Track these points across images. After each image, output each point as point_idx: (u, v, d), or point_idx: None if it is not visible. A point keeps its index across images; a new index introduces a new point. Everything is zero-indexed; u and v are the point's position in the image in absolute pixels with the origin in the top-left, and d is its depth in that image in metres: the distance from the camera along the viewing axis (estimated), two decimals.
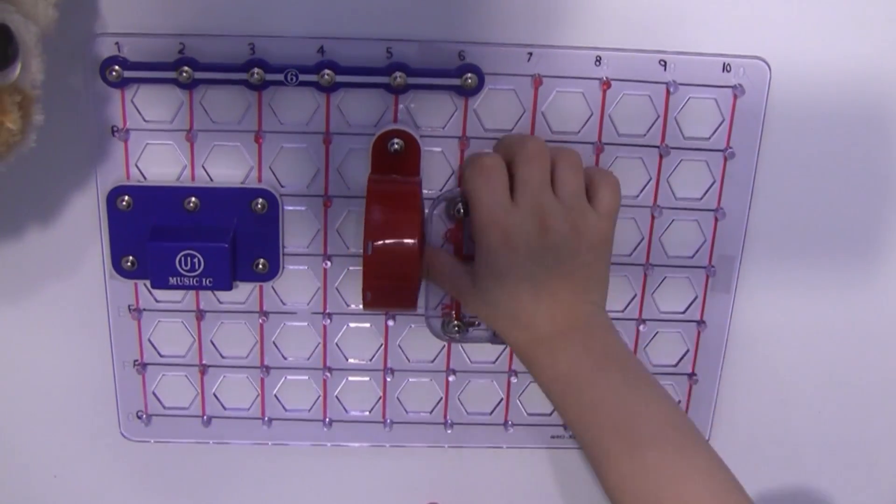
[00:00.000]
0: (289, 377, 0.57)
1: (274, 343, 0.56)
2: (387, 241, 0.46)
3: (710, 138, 0.53)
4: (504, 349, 0.57)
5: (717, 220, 0.55)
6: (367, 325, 0.56)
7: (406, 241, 0.46)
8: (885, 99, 0.53)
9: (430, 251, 0.53)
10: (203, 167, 0.52)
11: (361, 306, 0.48)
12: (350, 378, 0.58)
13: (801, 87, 0.52)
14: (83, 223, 0.53)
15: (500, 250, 0.48)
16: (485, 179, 0.49)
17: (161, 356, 0.56)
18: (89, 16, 0.49)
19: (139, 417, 0.58)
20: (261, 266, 0.54)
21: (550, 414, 0.59)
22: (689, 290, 0.56)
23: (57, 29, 0.48)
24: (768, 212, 0.55)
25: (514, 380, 0.58)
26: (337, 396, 0.58)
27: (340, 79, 0.50)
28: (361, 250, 0.47)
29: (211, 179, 0.52)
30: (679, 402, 0.59)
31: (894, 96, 0.53)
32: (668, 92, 0.52)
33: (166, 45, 0.49)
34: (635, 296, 0.56)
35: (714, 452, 0.48)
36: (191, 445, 0.59)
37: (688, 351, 0.58)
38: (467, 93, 0.51)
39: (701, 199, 0.54)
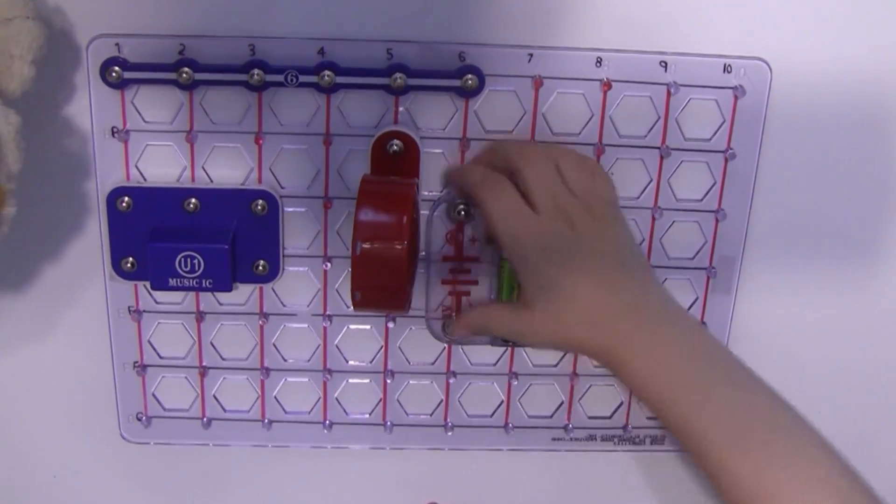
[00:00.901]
0: (289, 379, 0.57)
1: (274, 345, 0.56)
2: (375, 243, 0.46)
3: (710, 139, 0.53)
4: (504, 352, 0.57)
5: (717, 221, 0.55)
6: (368, 326, 0.56)
7: (394, 243, 0.46)
8: (885, 99, 0.53)
9: (474, 311, 0.53)
10: (203, 168, 0.52)
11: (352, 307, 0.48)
12: (350, 380, 0.57)
13: (801, 88, 0.52)
14: (83, 224, 0.53)
15: (540, 262, 0.47)
16: (498, 194, 0.48)
17: (161, 358, 0.56)
18: (89, 16, 0.49)
19: (139, 419, 0.58)
20: (261, 267, 0.54)
21: (551, 416, 0.59)
22: (690, 291, 0.56)
23: (57, 29, 0.48)
24: (769, 213, 0.55)
25: (514, 382, 0.58)
26: (337, 398, 0.58)
27: (340, 80, 0.50)
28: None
29: (211, 181, 0.52)
30: None
31: (894, 97, 0.53)
32: (668, 93, 0.52)
33: (166, 46, 0.49)
34: None
35: (823, 441, 0.46)
36: (191, 447, 0.58)
37: None
38: (468, 94, 0.51)
39: (702, 200, 0.54)
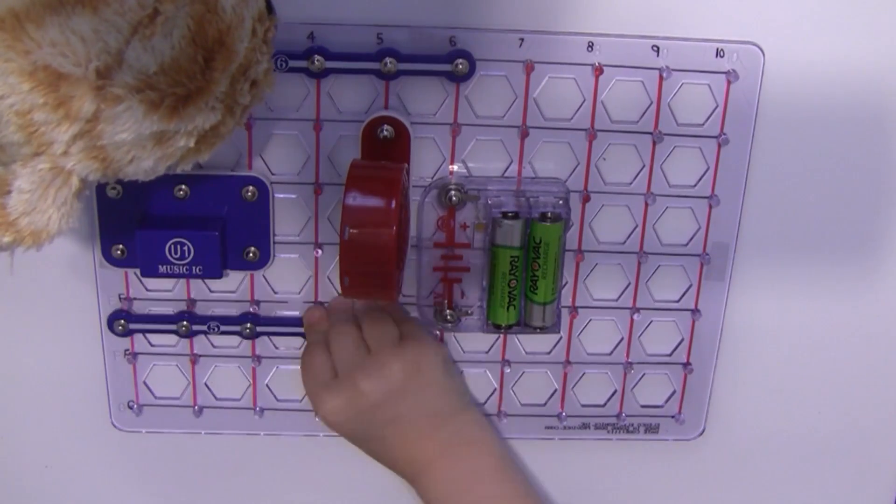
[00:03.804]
0: (280, 367, 0.57)
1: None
2: (363, 228, 0.45)
3: (703, 124, 0.53)
4: (497, 339, 0.57)
5: (711, 207, 0.54)
6: None
7: (383, 227, 0.45)
8: (878, 83, 0.52)
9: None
10: None
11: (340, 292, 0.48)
12: None
13: (794, 73, 0.52)
14: None
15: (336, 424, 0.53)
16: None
17: (152, 346, 0.56)
18: None
19: (130, 407, 0.57)
20: (251, 254, 0.53)
21: (544, 404, 0.59)
22: (684, 278, 0.56)
23: None
24: (763, 198, 0.54)
25: (507, 370, 0.57)
26: None
27: (330, 65, 0.50)
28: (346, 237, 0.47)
29: (201, 167, 0.52)
30: (674, 392, 0.59)
31: (888, 81, 0.52)
32: (661, 78, 0.51)
33: None
34: (629, 284, 0.56)
35: None
36: (182, 435, 0.58)
37: (682, 340, 0.57)
38: (458, 79, 0.51)
39: (695, 186, 0.54)
